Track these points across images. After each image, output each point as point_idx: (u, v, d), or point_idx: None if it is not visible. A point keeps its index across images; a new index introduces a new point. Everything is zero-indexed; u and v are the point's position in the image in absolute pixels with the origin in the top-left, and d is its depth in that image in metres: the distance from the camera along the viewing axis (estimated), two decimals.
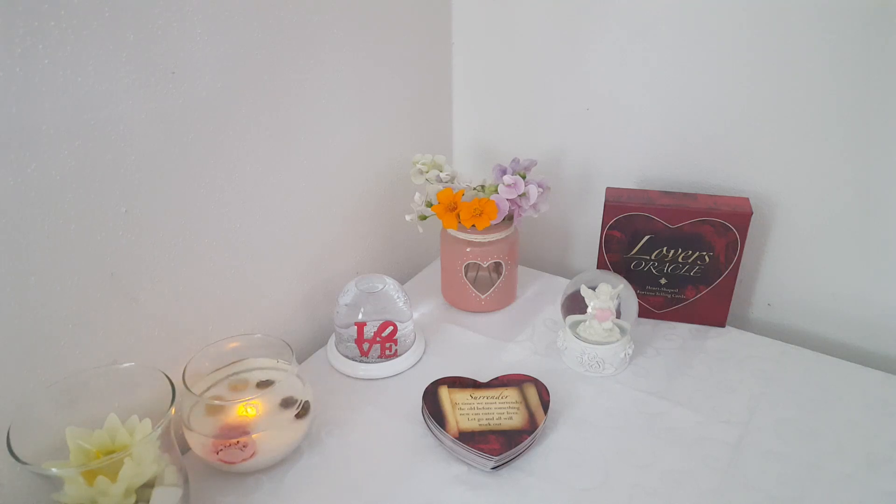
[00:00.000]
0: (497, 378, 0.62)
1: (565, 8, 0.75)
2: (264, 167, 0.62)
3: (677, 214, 0.68)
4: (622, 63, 0.74)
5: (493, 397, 0.59)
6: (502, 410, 0.58)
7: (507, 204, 0.70)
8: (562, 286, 0.74)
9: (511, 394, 0.60)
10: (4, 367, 0.47)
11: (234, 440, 0.52)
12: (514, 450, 0.54)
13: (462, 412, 0.57)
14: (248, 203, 0.62)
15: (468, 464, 0.55)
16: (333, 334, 0.71)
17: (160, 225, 0.54)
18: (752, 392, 0.63)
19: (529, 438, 0.55)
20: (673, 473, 0.55)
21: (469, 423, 0.56)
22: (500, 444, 0.54)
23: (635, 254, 0.72)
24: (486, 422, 0.56)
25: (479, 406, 0.58)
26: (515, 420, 0.57)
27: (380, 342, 0.66)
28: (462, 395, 0.59)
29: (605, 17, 0.73)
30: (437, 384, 0.61)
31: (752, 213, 0.67)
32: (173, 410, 0.46)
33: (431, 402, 0.58)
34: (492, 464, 0.53)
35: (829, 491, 0.53)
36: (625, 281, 0.65)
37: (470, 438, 0.55)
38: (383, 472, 0.55)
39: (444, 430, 0.55)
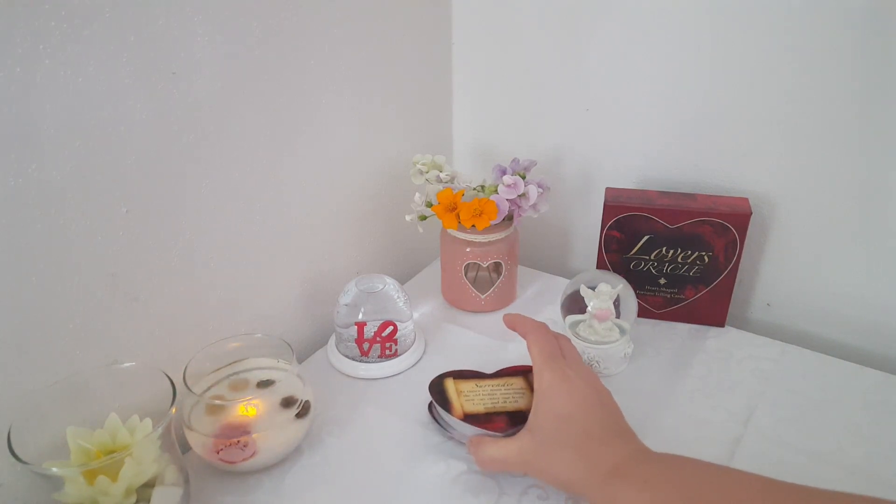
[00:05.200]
0: (502, 370, 0.62)
1: (565, 8, 0.75)
2: (264, 167, 0.63)
3: (677, 214, 0.68)
4: (622, 63, 0.74)
5: (498, 384, 0.59)
6: (508, 395, 0.58)
7: (507, 204, 0.70)
8: (561, 286, 0.74)
9: (516, 381, 0.59)
10: (4, 367, 0.47)
11: (235, 440, 0.52)
12: (519, 426, 0.54)
13: (468, 398, 0.57)
14: (249, 203, 0.62)
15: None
16: (333, 334, 0.71)
17: (160, 225, 0.54)
18: (751, 392, 0.63)
19: None
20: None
21: (475, 407, 0.56)
22: (505, 423, 0.54)
23: (635, 254, 0.72)
24: (491, 405, 0.56)
25: (485, 392, 0.58)
26: (521, 403, 0.57)
27: (380, 342, 0.66)
28: (467, 385, 0.59)
29: (605, 18, 0.73)
30: (442, 377, 0.60)
31: (751, 214, 0.67)
32: (174, 410, 0.46)
33: (437, 393, 0.58)
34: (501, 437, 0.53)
35: None
36: (624, 281, 0.65)
37: (475, 419, 0.55)
38: (384, 472, 0.55)
39: (450, 413, 0.55)
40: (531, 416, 0.51)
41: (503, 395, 0.57)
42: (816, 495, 0.40)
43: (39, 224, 0.46)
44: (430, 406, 0.60)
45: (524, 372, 0.61)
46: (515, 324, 0.58)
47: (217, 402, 0.55)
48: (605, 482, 0.45)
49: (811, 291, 0.73)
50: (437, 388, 0.59)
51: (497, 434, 0.53)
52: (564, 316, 0.68)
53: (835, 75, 0.63)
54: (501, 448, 0.51)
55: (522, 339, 0.73)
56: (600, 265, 0.74)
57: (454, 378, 0.60)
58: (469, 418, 0.55)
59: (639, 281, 0.73)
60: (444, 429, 0.58)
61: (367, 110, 0.74)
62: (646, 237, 0.71)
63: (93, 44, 0.46)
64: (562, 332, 0.68)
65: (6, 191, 0.44)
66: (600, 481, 0.45)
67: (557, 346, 0.54)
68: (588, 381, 0.51)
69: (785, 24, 0.63)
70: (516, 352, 0.70)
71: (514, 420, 0.54)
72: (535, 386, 0.52)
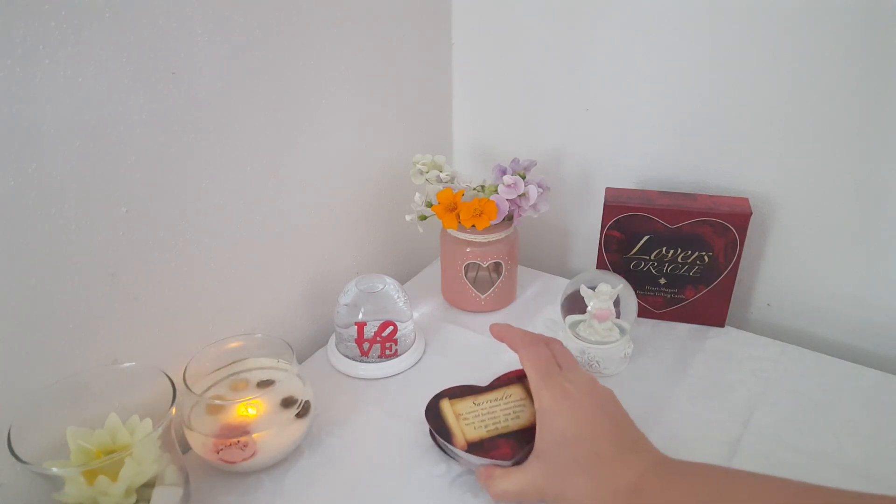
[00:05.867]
0: (497, 379, 0.60)
1: (565, 8, 0.75)
2: (264, 167, 0.63)
3: (677, 215, 0.68)
4: (622, 63, 0.74)
5: (496, 399, 0.57)
6: (507, 411, 0.56)
7: (507, 204, 0.70)
8: (561, 286, 0.74)
9: (514, 391, 0.58)
10: (5, 366, 0.47)
11: (235, 440, 0.52)
12: (528, 447, 0.52)
13: (467, 422, 0.55)
14: (249, 203, 0.62)
15: None
16: (333, 334, 0.71)
17: (160, 225, 0.54)
18: (751, 392, 0.63)
19: None
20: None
21: (477, 432, 0.54)
22: (510, 448, 0.52)
23: (635, 254, 0.72)
24: (492, 427, 0.54)
25: (484, 412, 0.56)
26: (522, 418, 0.55)
27: (380, 342, 0.66)
28: (464, 405, 0.57)
29: (605, 18, 0.73)
30: (437, 399, 0.58)
31: (751, 214, 0.67)
32: (174, 410, 0.46)
33: (435, 419, 0.56)
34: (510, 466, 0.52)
35: None
36: (624, 281, 0.65)
37: (479, 448, 0.53)
38: (384, 472, 0.55)
39: (452, 444, 0.53)
40: (537, 441, 0.49)
41: (503, 412, 0.55)
42: (856, 499, 0.38)
43: (39, 224, 0.46)
44: (431, 432, 0.57)
45: (520, 378, 0.59)
46: (503, 336, 0.56)
47: (217, 402, 0.55)
48: None
49: (811, 291, 0.73)
50: (434, 414, 0.56)
51: (505, 463, 0.51)
52: (564, 316, 0.68)
53: (835, 75, 0.63)
54: (514, 480, 0.49)
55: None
56: (600, 265, 0.74)
57: (450, 398, 0.58)
58: (473, 447, 0.53)
59: (639, 281, 0.73)
60: (448, 455, 0.56)
61: (367, 110, 0.74)
62: (646, 237, 0.71)
63: (92, 44, 0.46)
64: (562, 331, 0.68)
65: (6, 191, 0.44)
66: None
67: (552, 358, 0.52)
68: (589, 391, 0.49)
69: (785, 24, 0.63)
70: None
71: (520, 441, 0.53)
72: (536, 406, 0.50)
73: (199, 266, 0.59)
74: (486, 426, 0.55)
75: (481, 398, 0.58)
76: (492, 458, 0.52)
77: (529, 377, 0.52)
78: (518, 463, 0.52)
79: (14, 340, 0.47)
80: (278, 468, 0.55)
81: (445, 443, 0.54)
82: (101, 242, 0.50)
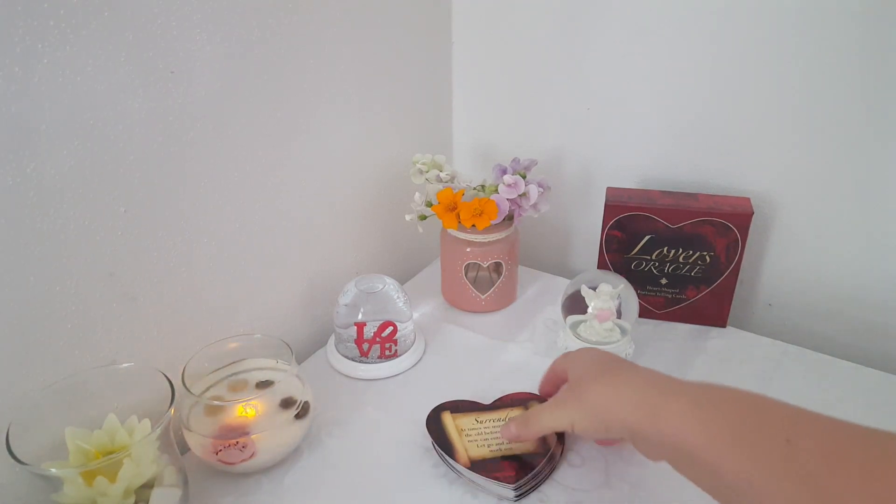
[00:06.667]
0: (499, 399, 0.60)
1: (566, 8, 0.75)
2: (264, 167, 0.62)
3: (678, 214, 0.68)
4: (623, 63, 0.74)
5: (499, 420, 0.57)
6: None
7: (508, 204, 0.70)
8: (562, 286, 0.74)
9: (517, 414, 0.57)
10: (4, 367, 0.47)
11: (234, 441, 0.52)
12: (533, 474, 0.52)
13: (470, 438, 0.55)
14: (248, 203, 0.62)
15: (490, 493, 0.53)
16: (333, 334, 0.70)
17: (159, 225, 0.54)
18: None
19: (544, 462, 0.53)
20: (674, 473, 0.54)
21: (479, 451, 0.53)
22: (514, 471, 0.52)
23: (636, 254, 0.72)
24: (496, 447, 0.54)
25: (487, 431, 0.55)
26: (526, 443, 0.54)
27: (379, 342, 0.66)
28: (467, 420, 0.56)
29: (605, 17, 0.73)
30: (438, 410, 0.58)
31: (752, 213, 0.67)
32: (172, 411, 0.46)
33: (436, 431, 0.56)
34: (513, 492, 0.51)
35: None
36: (625, 281, 0.65)
37: (482, 467, 0.52)
38: (383, 473, 0.55)
39: (454, 459, 0.53)
40: (570, 378, 0.50)
41: None
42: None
43: (37, 223, 0.46)
44: (433, 444, 0.57)
45: (523, 401, 0.59)
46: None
47: (216, 402, 0.55)
48: (651, 400, 0.43)
49: (812, 292, 0.72)
50: (436, 426, 0.56)
51: (508, 485, 0.51)
52: (565, 316, 0.68)
53: (837, 75, 0.63)
54: (546, 417, 0.49)
55: (523, 341, 0.72)
56: (601, 265, 0.74)
57: (451, 412, 0.57)
58: (476, 465, 0.52)
59: (640, 281, 0.73)
60: (446, 465, 0.55)
61: (367, 110, 0.73)
62: (647, 237, 0.70)
63: (91, 43, 0.45)
64: (563, 331, 0.68)
65: (4, 190, 0.43)
66: (647, 398, 0.43)
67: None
68: None
69: (787, 23, 0.63)
70: (516, 352, 0.70)
71: (523, 465, 0.52)
72: (551, 367, 0.55)
73: (197, 266, 0.59)
74: (488, 445, 0.54)
75: (484, 416, 0.57)
76: (495, 478, 0.51)
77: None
78: (520, 489, 0.51)
79: (12, 340, 0.47)
80: (277, 469, 0.55)
81: (449, 459, 0.54)
82: (99, 242, 0.50)
